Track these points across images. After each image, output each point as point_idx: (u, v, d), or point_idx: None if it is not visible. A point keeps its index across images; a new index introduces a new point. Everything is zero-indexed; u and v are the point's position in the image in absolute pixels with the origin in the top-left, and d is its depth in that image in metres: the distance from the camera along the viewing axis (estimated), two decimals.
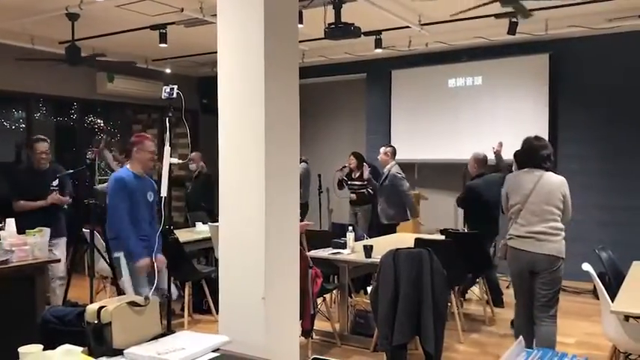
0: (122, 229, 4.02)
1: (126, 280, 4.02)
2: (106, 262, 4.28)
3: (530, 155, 4.04)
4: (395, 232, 6.72)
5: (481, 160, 5.94)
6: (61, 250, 5.06)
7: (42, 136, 5.12)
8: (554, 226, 3.92)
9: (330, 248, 5.04)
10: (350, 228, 5.33)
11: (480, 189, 5.81)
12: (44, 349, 2.05)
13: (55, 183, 5.07)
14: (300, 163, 6.48)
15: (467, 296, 6.14)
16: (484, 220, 5.75)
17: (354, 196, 7.58)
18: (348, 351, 4.70)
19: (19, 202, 4.89)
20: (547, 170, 4.01)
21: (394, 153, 7.12)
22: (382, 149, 7.19)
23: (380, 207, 7.00)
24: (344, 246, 5.03)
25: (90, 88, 8.48)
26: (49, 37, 7.07)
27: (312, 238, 5.63)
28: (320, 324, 4.91)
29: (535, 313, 3.98)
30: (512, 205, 4.07)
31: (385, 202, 6.93)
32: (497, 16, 5.83)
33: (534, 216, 3.93)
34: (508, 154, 6.21)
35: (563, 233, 3.96)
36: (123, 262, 4.02)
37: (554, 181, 3.97)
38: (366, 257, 4.68)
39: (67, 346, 2.09)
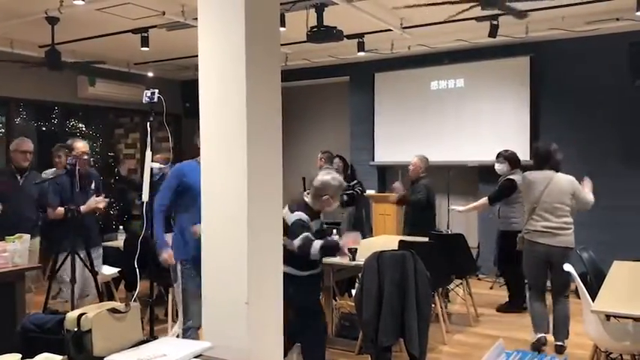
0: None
1: (177, 286, 3.89)
2: (87, 269, 4.23)
3: (541, 159, 4.70)
4: None
5: (427, 162, 6.24)
6: (99, 263, 4.82)
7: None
8: (566, 221, 4.54)
9: None
10: (334, 231, 5.33)
11: (432, 189, 6.10)
12: (23, 358, 2.02)
13: (93, 186, 4.79)
14: None
15: (451, 297, 6.16)
16: (428, 220, 6.06)
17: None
18: (333, 354, 4.69)
19: (57, 210, 4.53)
20: (555, 169, 4.63)
21: (329, 158, 7.31)
22: (319, 155, 7.41)
23: None
24: None
25: (71, 92, 8.39)
26: (28, 41, 6.99)
27: None
28: None
29: (553, 295, 4.67)
30: (527, 204, 4.67)
31: None
32: (478, 19, 5.89)
33: (548, 213, 4.53)
34: (491, 156, 6.33)
35: (573, 227, 4.58)
36: (178, 267, 3.86)
37: (564, 181, 4.59)
38: (350, 260, 4.68)
39: (45, 355, 2.06)
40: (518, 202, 5.57)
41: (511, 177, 5.71)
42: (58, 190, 4.55)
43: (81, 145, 4.65)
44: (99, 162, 9.10)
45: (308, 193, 3.86)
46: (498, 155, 5.89)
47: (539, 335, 4.67)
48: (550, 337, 4.67)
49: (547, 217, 4.52)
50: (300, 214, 3.71)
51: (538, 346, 4.63)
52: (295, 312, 3.79)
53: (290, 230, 3.67)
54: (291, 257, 3.70)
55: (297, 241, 3.65)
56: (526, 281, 5.00)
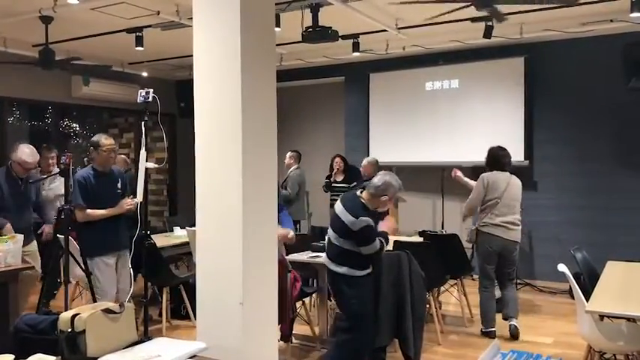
0: None
1: None
2: (81, 268, 4.21)
3: (498, 161, 5.15)
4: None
5: (375, 164, 6.82)
6: (126, 269, 4.44)
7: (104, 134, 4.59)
8: (518, 217, 5.10)
9: (310, 252, 5.03)
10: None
11: None
12: (16, 359, 2.01)
13: (119, 185, 4.53)
14: None
15: (445, 297, 6.16)
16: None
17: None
18: None
19: (86, 211, 4.22)
20: (509, 172, 5.15)
21: (298, 157, 7.52)
22: (288, 154, 7.64)
23: None
24: (323, 249, 5.01)
25: (65, 92, 8.35)
26: (22, 40, 6.95)
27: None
28: (299, 328, 4.90)
29: (503, 284, 5.16)
30: (489, 200, 5.04)
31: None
32: (473, 20, 5.90)
33: (506, 208, 5.01)
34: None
35: (521, 224, 5.16)
36: None
37: (518, 182, 5.15)
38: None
39: (39, 356, 2.05)
40: None
41: None
42: (90, 191, 4.30)
43: (107, 143, 4.41)
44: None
45: (361, 192, 3.83)
46: None
47: (491, 330, 5.03)
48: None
49: (505, 213, 5.01)
50: (368, 220, 3.65)
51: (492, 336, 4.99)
52: (353, 313, 3.79)
53: (359, 234, 3.66)
54: (349, 257, 3.73)
55: (374, 246, 3.68)
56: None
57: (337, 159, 7.92)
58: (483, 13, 5.38)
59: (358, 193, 3.85)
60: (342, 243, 3.73)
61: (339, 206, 3.78)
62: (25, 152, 4.71)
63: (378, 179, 3.79)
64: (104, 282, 4.29)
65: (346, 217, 3.68)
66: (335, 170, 7.89)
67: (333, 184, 7.86)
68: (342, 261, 3.75)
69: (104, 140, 4.41)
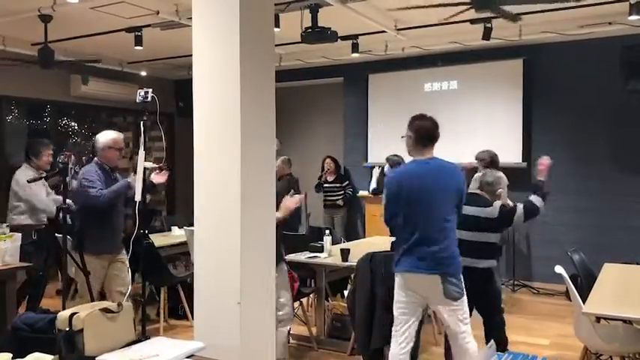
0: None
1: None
2: (79, 268, 4.20)
3: (496, 162, 5.67)
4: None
5: (288, 163, 7.21)
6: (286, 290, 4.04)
7: None
8: None
9: (307, 252, 5.04)
10: (327, 231, 5.34)
11: (283, 188, 6.94)
12: (13, 358, 2.01)
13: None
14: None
15: None
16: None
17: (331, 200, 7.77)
18: (325, 355, 4.70)
19: None
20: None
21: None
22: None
23: None
24: (321, 249, 5.03)
25: (64, 91, 8.34)
26: (21, 39, 6.94)
27: (289, 242, 5.62)
28: (297, 328, 4.91)
29: None
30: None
31: None
32: (472, 21, 5.91)
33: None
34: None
35: None
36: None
37: None
38: (343, 261, 4.69)
39: (36, 355, 2.05)
40: None
41: None
42: None
43: None
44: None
45: (479, 189, 4.13)
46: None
47: None
48: None
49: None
50: (498, 202, 4.05)
51: None
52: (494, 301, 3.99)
53: (502, 217, 3.98)
54: (494, 250, 4.03)
55: (519, 214, 4.02)
56: None
57: (328, 160, 8.15)
58: (482, 15, 5.39)
59: (477, 192, 4.12)
60: (488, 237, 3.97)
61: (468, 208, 3.87)
62: (110, 132, 4.39)
63: (489, 176, 4.14)
64: None
65: (483, 212, 3.95)
66: (326, 171, 8.08)
67: (325, 185, 8.05)
68: (490, 254, 3.97)
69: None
